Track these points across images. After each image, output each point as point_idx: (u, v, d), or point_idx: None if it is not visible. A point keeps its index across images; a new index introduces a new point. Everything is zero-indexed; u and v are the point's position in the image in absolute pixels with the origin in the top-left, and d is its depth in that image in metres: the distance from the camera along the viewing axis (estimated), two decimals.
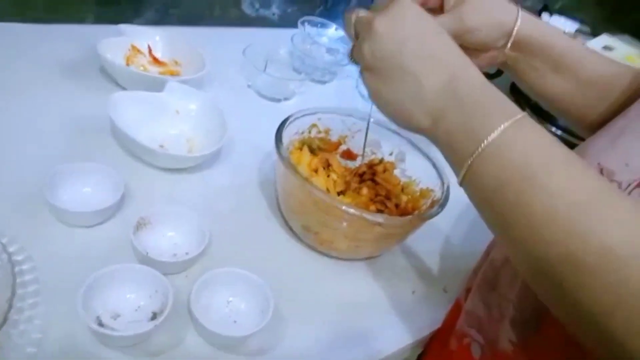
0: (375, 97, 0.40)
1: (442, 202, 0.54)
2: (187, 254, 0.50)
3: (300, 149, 0.61)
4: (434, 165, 0.60)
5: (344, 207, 0.50)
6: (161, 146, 0.61)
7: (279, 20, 1.04)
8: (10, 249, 0.44)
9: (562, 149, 0.33)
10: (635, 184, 0.36)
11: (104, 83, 0.71)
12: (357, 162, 0.65)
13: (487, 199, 0.34)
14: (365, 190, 0.59)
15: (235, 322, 0.47)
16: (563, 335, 0.37)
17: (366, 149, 0.64)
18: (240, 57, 0.80)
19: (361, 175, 0.61)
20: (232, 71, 0.84)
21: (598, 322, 0.28)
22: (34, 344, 0.39)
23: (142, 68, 0.74)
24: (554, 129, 0.87)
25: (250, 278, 0.48)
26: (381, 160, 0.63)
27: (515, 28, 0.47)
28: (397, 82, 0.38)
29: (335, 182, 0.59)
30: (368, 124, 0.60)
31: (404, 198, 0.61)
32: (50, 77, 0.69)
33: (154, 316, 0.44)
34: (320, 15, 1.06)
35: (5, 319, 0.37)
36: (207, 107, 0.66)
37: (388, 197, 0.60)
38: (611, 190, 0.31)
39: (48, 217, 0.49)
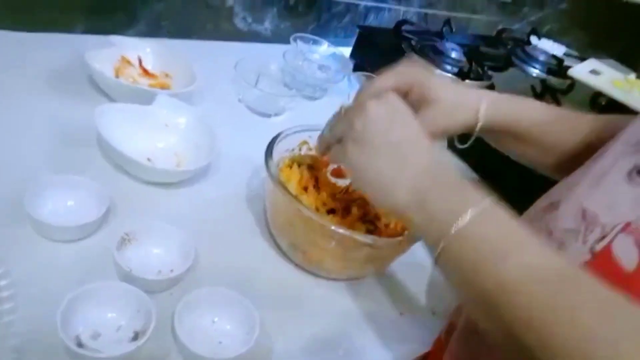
0: (359, 172, 0.42)
1: None
2: (172, 271, 0.49)
3: (290, 166, 0.60)
4: None
5: (333, 227, 0.49)
6: (148, 159, 0.60)
7: (271, 36, 1.04)
8: None
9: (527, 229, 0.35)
10: (620, 227, 0.35)
11: (91, 94, 0.70)
12: (348, 181, 0.64)
13: (461, 280, 0.37)
14: (355, 210, 0.58)
15: (220, 342, 0.45)
16: None
17: None
18: (231, 71, 0.80)
19: (351, 194, 0.61)
20: (223, 85, 0.83)
21: None
22: None
23: (131, 80, 0.73)
24: None
25: (235, 298, 0.47)
26: None
27: (479, 124, 0.51)
28: (383, 157, 0.41)
29: (324, 200, 0.59)
30: None
31: (394, 218, 0.60)
32: (37, 86, 0.68)
33: (136, 336, 0.42)
34: (313, 32, 1.06)
35: None
36: (196, 121, 0.65)
37: (378, 217, 0.59)
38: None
39: (28, 230, 0.48)
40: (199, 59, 0.79)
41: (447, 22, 1.11)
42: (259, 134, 0.60)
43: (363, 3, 1.14)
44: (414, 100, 0.49)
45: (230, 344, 0.45)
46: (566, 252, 0.38)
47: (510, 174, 0.79)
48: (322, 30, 1.10)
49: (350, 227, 0.55)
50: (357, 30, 1.08)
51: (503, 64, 1.09)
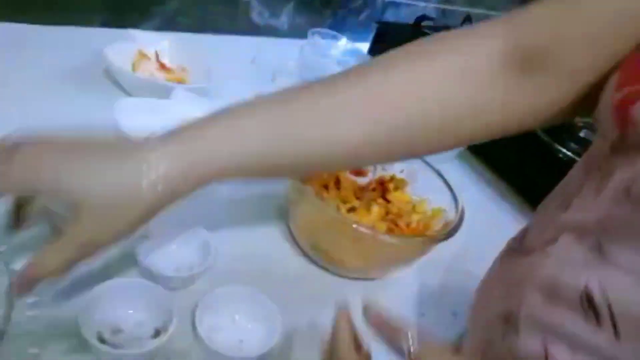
0: None
1: (456, 225, 0.53)
2: (191, 269, 0.48)
3: None
4: (447, 185, 0.59)
5: (356, 226, 0.48)
6: None
7: (287, 30, 1.03)
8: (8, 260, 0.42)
9: None
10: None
11: (108, 87, 0.70)
12: (367, 179, 0.63)
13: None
14: (375, 208, 0.57)
15: (241, 341, 0.45)
16: None
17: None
18: (248, 66, 0.79)
19: (372, 192, 0.60)
20: (239, 80, 0.82)
21: None
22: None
23: (148, 74, 0.72)
24: (564, 150, 0.86)
25: (257, 296, 0.46)
26: (392, 177, 0.62)
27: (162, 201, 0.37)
28: None
29: (345, 199, 0.58)
30: None
31: (415, 217, 0.59)
32: (54, 80, 0.67)
33: (157, 333, 0.42)
34: (330, 26, 1.05)
35: (2, 333, 0.35)
36: None
37: (399, 216, 0.58)
38: None
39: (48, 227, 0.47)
40: (215, 53, 0.78)
41: (468, 18, 1.09)
42: None
43: None
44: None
45: (251, 343, 0.44)
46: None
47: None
48: (339, 25, 1.09)
49: (372, 225, 0.54)
50: (375, 26, 1.06)
51: None
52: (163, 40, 0.76)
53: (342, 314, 0.36)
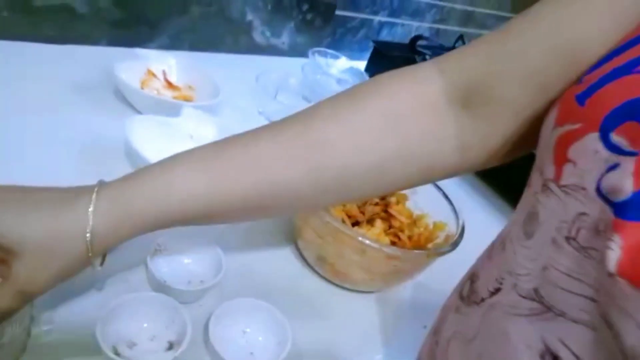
0: None
1: (457, 239, 0.55)
2: (201, 282, 0.50)
3: None
4: (447, 198, 0.61)
5: (362, 239, 0.50)
6: None
7: (288, 50, 1.06)
8: None
9: None
10: None
11: (117, 105, 0.72)
12: None
13: None
14: (379, 222, 0.59)
15: (252, 354, 0.46)
16: None
17: None
18: (251, 83, 0.81)
19: (375, 206, 0.61)
20: (243, 98, 0.84)
21: None
22: None
23: (156, 92, 0.74)
24: None
25: (267, 309, 0.47)
26: (394, 192, 0.64)
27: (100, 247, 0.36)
28: None
29: (349, 213, 0.59)
30: None
31: (417, 231, 0.61)
32: (64, 97, 0.69)
33: (170, 346, 0.43)
34: (328, 45, 1.08)
35: (24, 347, 0.36)
36: (222, 133, 0.66)
37: (401, 229, 0.60)
38: None
39: None
40: (219, 71, 0.80)
41: (460, 37, 1.12)
42: None
43: (377, 18, 1.16)
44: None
45: (262, 355, 0.46)
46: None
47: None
48: (337, 44, 1.12)
49: (376, 239, 0.56)
50: (372, 45, 1.09)
51: None
52: (169, 59, 0.78)
53: None
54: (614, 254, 0.23)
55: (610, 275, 0.23)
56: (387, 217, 0.61)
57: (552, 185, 0.29)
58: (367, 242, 0.49)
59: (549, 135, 0.31)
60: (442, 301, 0.62)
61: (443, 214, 0.61)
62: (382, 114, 0.38)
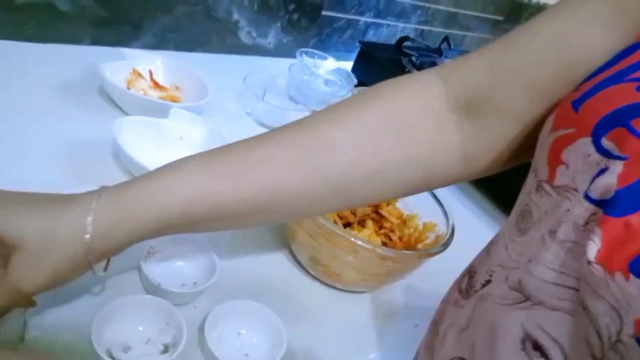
0: None
1: (448, 239, 0.56)
2: (195, 284, 0.49)
3: None
4: (436, 199, 0.62)
5: (354, 240, 0.50)
6: None
7: (274, 50, 1.05)
8: None
9: None
10: None
11: (102, 105, 0.70)
12: None
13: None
14: (370, 223, 0.60)
15: (247, 355, 0.46)
16: None
17: None
18: (238, 84, 0.80)
19: (365, 207, 0.62)
20: (231, 98, 0.84)
21: None
22: None
23: (142, 92, 0.73)
24: None
25: (261, 310, 0.47)
26: None
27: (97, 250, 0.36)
28: None
29: (340, 214, 0.60)
30: None
31: (407, 231, 0.62)
32: (48, 98, 0.67)
33: (165, 349, 0.43)
34: (314, 46, 1.08)
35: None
36: (211, 134, 0.66)
37: (392, 230, 0.60)
38: None
39: None
40: (205, 71, 0.79)
41: (446, 39, 1.14)
42: None
43: (363, 19, 1.16)
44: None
45: (257, 356, 0.46)
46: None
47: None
48: (324, 44, 1.12)
49: (368, 239, 0.56)
50: (359, 46, 1.10)
51: None
52: (155, 59, 0.77)
53: None
54: (595, 246, 0.25)
55: (589, 263, 0.25)
56: (378, 218, 0.62)
57: (546, 186, 0.31)
58: (360, 243, 0.50)
59: (545, 138, 0.32)
60: (433, 301, 0.63)
61: (432, 214, 0.62)
62: (385, 120, 0.38)
